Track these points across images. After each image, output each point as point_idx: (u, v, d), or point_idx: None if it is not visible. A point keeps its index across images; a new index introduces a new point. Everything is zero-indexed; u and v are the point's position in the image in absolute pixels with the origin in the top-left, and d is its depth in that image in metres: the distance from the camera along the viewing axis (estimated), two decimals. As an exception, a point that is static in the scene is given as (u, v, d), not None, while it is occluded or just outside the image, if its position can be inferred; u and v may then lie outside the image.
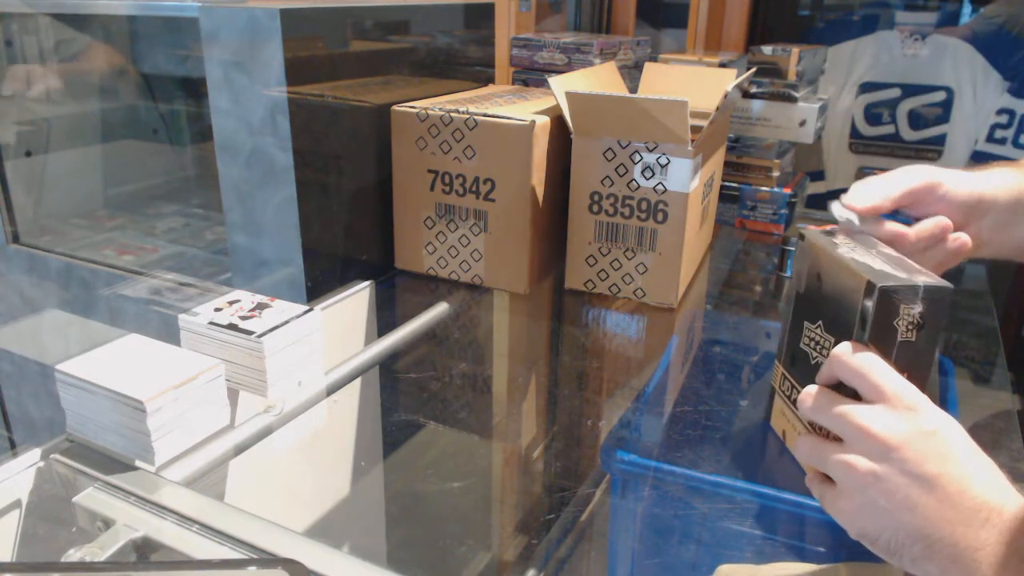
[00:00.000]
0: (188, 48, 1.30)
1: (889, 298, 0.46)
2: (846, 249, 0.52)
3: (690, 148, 0.85)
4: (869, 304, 0.46)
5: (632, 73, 1.29)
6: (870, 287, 0.46)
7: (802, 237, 0.58)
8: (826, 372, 0.49)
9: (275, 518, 0.54)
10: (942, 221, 0.56)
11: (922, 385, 0.46)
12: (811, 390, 0.49)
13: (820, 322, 0.54)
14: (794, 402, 0.61)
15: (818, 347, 0.54)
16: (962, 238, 0.57)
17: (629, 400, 0.79)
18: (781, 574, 0.54)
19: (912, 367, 0.47)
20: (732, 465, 0.62)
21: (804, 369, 0.58)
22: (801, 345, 0.57)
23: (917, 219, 0.57)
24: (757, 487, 0.59)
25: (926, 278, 0.47)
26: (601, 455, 0.68)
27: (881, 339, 0.47)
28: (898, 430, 0.43)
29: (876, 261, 0.49)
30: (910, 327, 0.46)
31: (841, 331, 0.50)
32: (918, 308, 0.46)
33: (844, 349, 0.47)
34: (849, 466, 0.44)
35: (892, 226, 0.56)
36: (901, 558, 0.43)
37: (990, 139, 1.50)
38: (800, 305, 0.58)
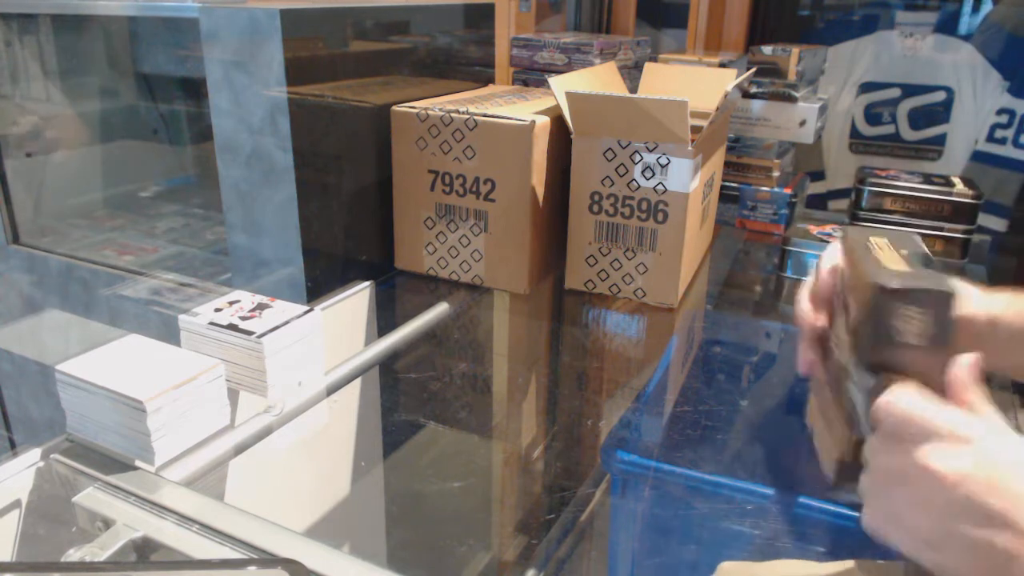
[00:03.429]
0: (188, 48, 1.30)
1: (890, 300, 0.46)
2: (875, 250, 0.52)
3: (690, 148, 0.85)
4: (873, 305, 0.46)
5: (632, 73, 1.29)
6: (874, 288, 0.46)
7: (844, 235, 0.57)
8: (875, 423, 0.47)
9: (275, 518, 0.54)
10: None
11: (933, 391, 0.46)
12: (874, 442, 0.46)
13: (841, 320, 0.53)
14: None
15: (838, 345, 0.54)
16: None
17: (629, 400, 0.79)
18: (783, 571, 0.54)
19: (918, 372, 0.46)
20: (733, 465, 0.62)
21: (830, 366, 0.57)
22: (831, 343, 0.57)
23: None
24: (757, 487, 0.59)
25: (933, 282, 0.46)
26: (601, 455, 0.68)
27: (884, 342, 0.46)
28: (956, 465, 0.41)
29: (898, 263, 0.49)
30: (913, 330, 0.46)
31: (853, 331, 0.50)
32: (920, 311, 0.45)
33: (885, 399, 0.44)
34: (913, 501, 0.42)
35: None
36: None
37: (990, 139, 1.50)
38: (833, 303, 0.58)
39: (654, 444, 0.67)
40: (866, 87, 1.62)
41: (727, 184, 1.23)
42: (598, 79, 1.09)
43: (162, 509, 0.54)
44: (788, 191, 1.20)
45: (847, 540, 0.48)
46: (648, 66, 1.20)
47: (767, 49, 1.20)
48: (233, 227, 0.93)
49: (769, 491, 0.58)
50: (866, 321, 0.47)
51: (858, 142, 1.66)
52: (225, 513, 0.54)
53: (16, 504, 0.58)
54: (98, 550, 0.50)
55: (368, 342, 0.90)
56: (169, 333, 0.71)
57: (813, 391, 0.64)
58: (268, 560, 0.49)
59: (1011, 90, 1.48)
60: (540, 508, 0.78)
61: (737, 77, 1.05)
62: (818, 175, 1.68)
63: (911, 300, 0.45)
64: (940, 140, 1.59)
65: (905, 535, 0.44)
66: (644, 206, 0.90)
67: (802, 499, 0.57)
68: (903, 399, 0.45)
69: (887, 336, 0.46)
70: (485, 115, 0.91)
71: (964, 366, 0.46)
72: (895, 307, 0.46)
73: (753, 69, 1.17)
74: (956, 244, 1.09)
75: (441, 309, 0.95)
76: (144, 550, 0.53)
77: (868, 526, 0.47)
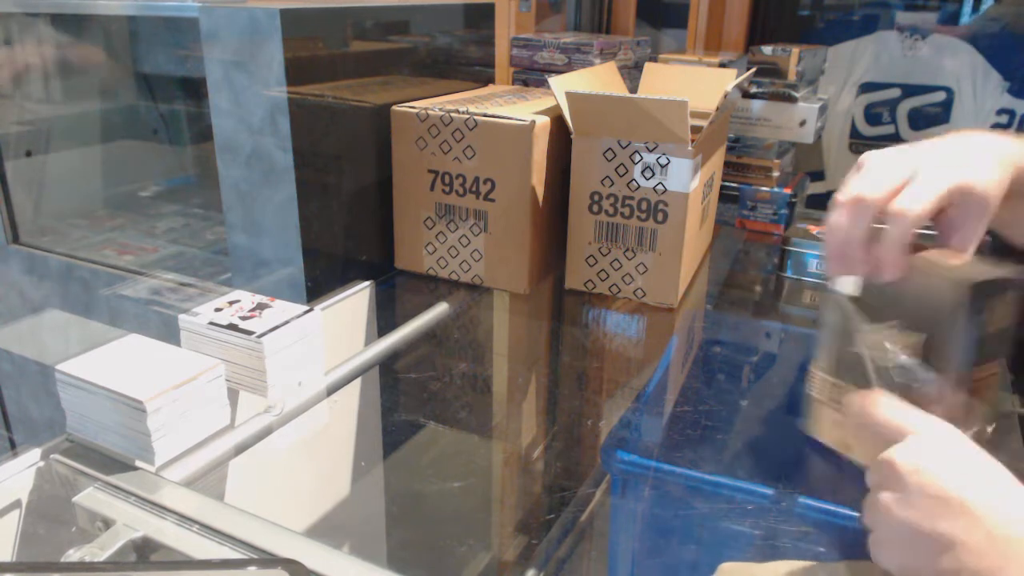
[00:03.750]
0: (188, 48, 1.30)
1: (980, 292, 0.46)
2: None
3: (690, 148, 0.85)
4: (959, 300, 0.46)
5: (632, 73, 1.29)
6: (963, 286, 0.46)
7: None
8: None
9: (275, 518, 0.54)
10: None
11: (1000, 373, 0.47)
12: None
13: (894, 322, 0.52)
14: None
15: (886, 349, 0.53)
16: None
17: (629, 400, 0.79)
18: (783, 571, 0.54)
19: (996, 356, 0.47)
20: (733, 465, 0.62)
21: (859, 373, 0.56)
22: (855, 348, 0.56)
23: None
24: (757, 487, 0.59)
25: (1005, 270, 0.47)
26: (601, 455, 0.68)
27: (970, 332, 0.47)
28: (913, 459, 0.42)
29: (939, 259, 0.49)
30: (997, 318, 0.46)
31: (928, 328, 0.49)
32: (1004, 299, 0.46)
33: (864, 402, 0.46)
34: (875, 502, 0.43)
35: None
36: None
37: (990, 139, 1.50)
38: (853, 307, 0.57)
39: (654, 444, 0.67)
40: (866, 87, 1.62)
41: (727, 184, 1.23)
42: (598, 79, 1.09)
43: (162, 509, 0.54)
44: (788, 191, 1.20)
45: (847, 540, 0.48)
46: (648, 66, 1.20)
47: (767, 49, 1.20)
48: (233, 227, 0.93)
49: (769, 491, 0.58)
50: (954, 320, 0.47)
51: (858, 142, 1.66)
52: (225, 513, 0.54)
53: (16, 504, 0.58)
54: (98, 550, 0.50)
55: (368, 342, 0.90)
56: (169, 333, 0.71)
57: (825, 406, 0.63)
58: (268, 560, 0.49)
59: (1011, 90, 1.48)
60: (540, 508, 0.78)
61: (737, 77, 1.05)
62: (818, 175, 1.67)
63: (1001, 288, 0.46)
64: (940, 140, 1.59)
65: (882, 543, 0.44)
66: (644, 206, 0.90)
67: (802, 499, 0.57)
68: (878, 405, 0.45)
69: (976, 330, 0.47)
70: (485, 115, 0.91)
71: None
72: (986, 300, 0.46)
73: (753, 69, 1.17)
74: (956, 244, 1.09)
75: (441, 309, 0.96)
76: (144, 550, 0.53)
77: (871, 551, 0.47)
